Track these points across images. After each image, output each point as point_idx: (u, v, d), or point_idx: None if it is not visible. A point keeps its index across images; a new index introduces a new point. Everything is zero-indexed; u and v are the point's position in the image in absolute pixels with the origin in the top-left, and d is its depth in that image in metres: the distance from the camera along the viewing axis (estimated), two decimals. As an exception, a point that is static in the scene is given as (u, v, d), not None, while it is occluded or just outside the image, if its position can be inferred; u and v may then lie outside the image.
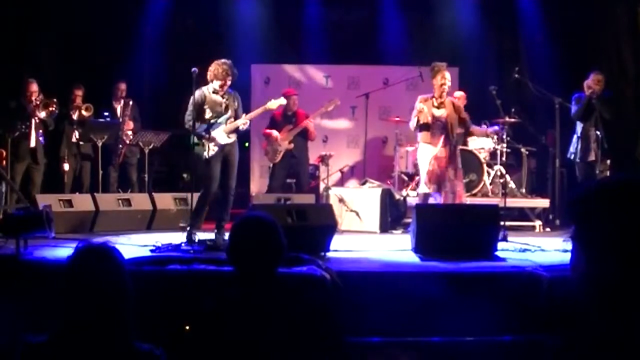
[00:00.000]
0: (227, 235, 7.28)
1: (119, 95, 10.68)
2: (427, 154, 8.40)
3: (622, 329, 1.57)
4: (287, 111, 10.27)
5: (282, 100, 8.39)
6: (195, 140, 7.57)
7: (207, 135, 7.52)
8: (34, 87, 9.47)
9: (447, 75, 8.40)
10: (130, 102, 10.62)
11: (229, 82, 7.58)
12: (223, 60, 7.55)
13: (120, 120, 10.52)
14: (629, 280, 1.55)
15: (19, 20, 10.96)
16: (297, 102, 10.42)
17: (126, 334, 2.64)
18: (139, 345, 2.66)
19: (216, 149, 7.56)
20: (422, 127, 8.43)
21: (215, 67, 7.50)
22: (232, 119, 7.66)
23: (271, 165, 10.38)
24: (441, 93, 8.39)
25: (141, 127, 10.64)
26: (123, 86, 10.73)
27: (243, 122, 7.67)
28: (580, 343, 1.65)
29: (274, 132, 10.15)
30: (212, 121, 7.56)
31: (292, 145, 10.14)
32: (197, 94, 7.60)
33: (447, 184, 8.37)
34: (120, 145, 10.49)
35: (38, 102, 9.35)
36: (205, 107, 7.61)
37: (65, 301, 2.61)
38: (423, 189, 8.48)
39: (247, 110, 8.24)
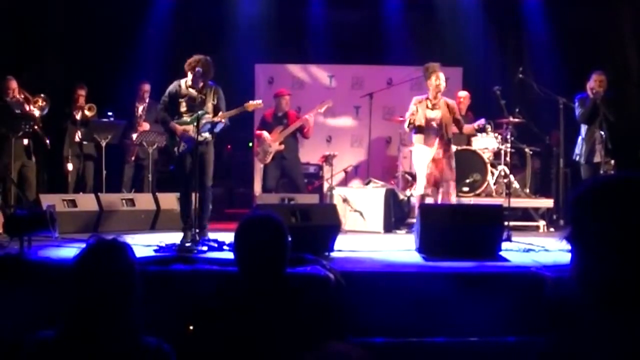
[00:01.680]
0: (209, 235, 7.31)
1: (141, 96, 10.69)
2: (423, 155, 8.41)
3: (618, 329, 1.56)
4: (277, 112, 10.16)
5: (259, 103, 8.19)
6: (170, 136, 7.56)
7: (179, 130, 7.48)
8: (13, 84, 9.29)
9: (442, 75, 8.42)
10: (147, 104, 10.63)
11: (199, 76, 7.43)
12: (198, 57, 7.46)
13: (139, 121, 10.55)
14: (625, 279, 1.54)
15: (20, 18, 10.96)
16: (289, 103, 10.29)
17: (134, 328, 2.64)
18: (147, 339, 2.66)
19: (186, 146, 7.47)
20: (417, 129, 8.43)
21: (188, 62, 7.42)
22: (210, 115, 7.55)
23: (262, 166, 10.28)
24: (436, 94, 8.41)
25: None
26: (147, 87, 10.72)
27: (218, 119, 7.53)
28: (576, 343, 1.65)
29: (264, 134, 10.01)
30: (184, 116, 7.46)
31: (282, 147, 9.99)
32: (172, 85, 7.55)
33: (443, 184, 8.37)
34: (132, 146, 10.52)
35: (20, 99, 9.20)
36: (181, 100, 7.51)
37: (73, 295, 2.61)
38: (420, 190, 8.47)
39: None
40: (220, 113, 7.60)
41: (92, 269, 2.63)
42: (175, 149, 7.52)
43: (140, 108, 10.68)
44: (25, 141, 9.36)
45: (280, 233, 3.17)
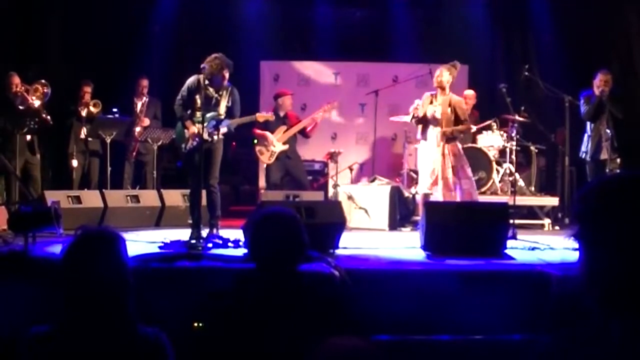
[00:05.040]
0: (220, 232, 7.27)
1: (139, 91, 10.66)
2: (424, 152, 8.35)
3: (624, 329, 1.55)
4: (279, 112, 10.04)
5: (270, 116, 8.40)
6: (180, 128, 7.53)
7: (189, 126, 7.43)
8: (16, 79, 9.26)
9: (444, 72, 8.32)
10: (147, 99, 10.60)
11: (203, 72, 7.34)
12: (214, 55, 7.34)
13: (140, 116, 10.54)
14: (630, 278, 1.53)
15: (24, 16, 10.97)
16: (291, 103, 10.26)
17: (129, 319, 2.60)
18: (144, 330, 2.62)
19: (195, 143, 7.40)
20: (420, 124, 8.36)
21: (210, 64, 7.28)
22: (222, 116, 7.47)
23: (265, 165, 10.23)
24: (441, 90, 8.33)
25: (162, 126, 10.58)
26: (145, 82, 10.68)
27: (223, 131, 7.48)
28: (581, 342, 1.64)
29: (268, 134, 9.92)
30: (198, 114, 7.36)
31: (287, 147, 9.96)
32: (190, 80, 7.45)
33: (443, 181, 8.22)
34: (133, 142, 10.50)
35: (22, 92, 9.17)
36: (197, 96, 7.39)
37: (64, 289, 2.59)
38: (422, 189, 8.42)
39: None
40: (236, 118, 7.59)
41: (79, 261, 2.60)
42: (183, 145, 7.48)
43: (140, 104, 10.62)
44: (29, 137, 9.35)
45: (297, 229, 3.18)
